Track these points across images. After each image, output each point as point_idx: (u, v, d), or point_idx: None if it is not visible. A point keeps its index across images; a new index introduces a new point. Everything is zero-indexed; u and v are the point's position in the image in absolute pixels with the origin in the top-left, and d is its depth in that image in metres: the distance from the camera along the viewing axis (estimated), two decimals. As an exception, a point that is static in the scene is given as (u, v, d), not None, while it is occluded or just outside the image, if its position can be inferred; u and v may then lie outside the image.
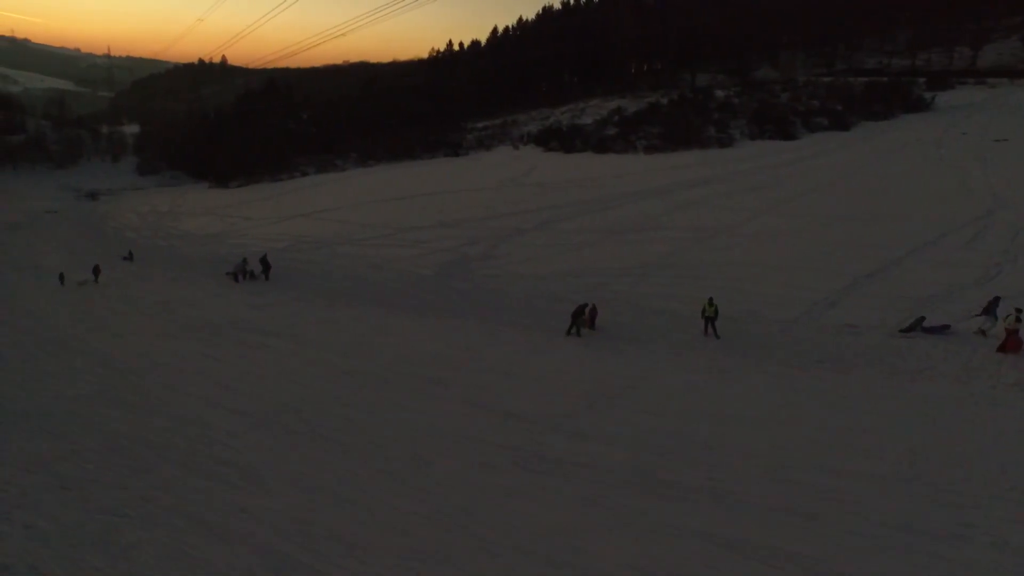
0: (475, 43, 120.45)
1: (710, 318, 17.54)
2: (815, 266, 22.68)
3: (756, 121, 58.14)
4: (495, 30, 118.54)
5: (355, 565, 8.25)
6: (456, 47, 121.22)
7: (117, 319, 23.19)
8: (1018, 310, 15.08)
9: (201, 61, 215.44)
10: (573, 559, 8.48)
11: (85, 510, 9.60)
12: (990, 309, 16.21)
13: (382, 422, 13.06)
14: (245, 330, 20.66)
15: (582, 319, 18.29)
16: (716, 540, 8.78)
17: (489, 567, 8.26)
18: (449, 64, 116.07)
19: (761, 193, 35.64)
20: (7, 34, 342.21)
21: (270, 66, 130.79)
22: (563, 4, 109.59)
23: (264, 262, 28.87)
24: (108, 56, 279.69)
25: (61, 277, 30.24)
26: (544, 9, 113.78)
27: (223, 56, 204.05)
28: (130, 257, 36.44)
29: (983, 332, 16.14)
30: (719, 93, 70.09)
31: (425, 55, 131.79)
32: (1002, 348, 15.16)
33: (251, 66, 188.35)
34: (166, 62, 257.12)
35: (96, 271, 30.37)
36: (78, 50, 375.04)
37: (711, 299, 17.56)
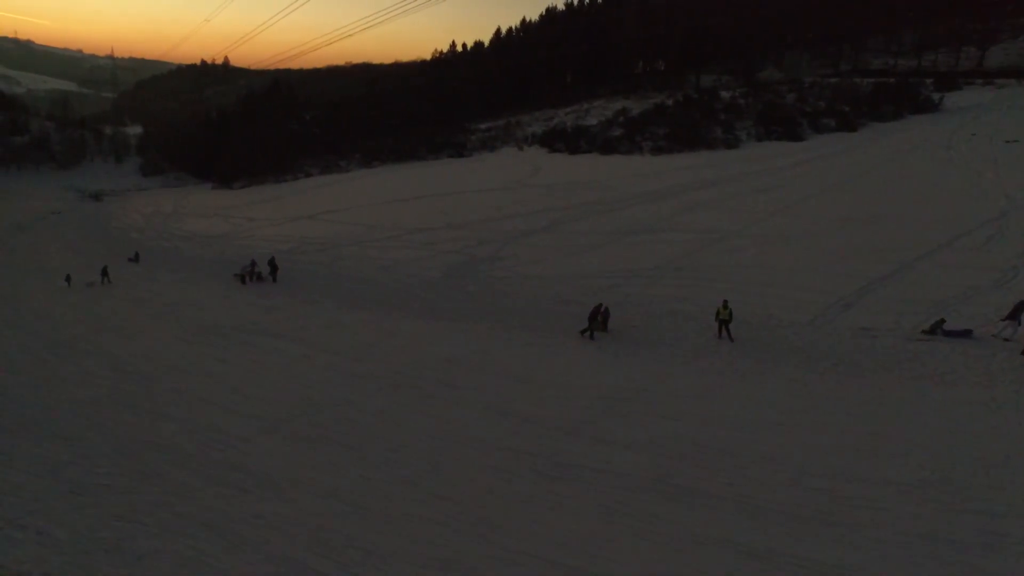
0: (478, 44, 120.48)
1: (724, 321, 17.35)
2: (827, 268, 22.46)
3: (763, 122, 57.82)
4: (498, 31, 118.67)
5: (373, 574, 8.10)
6: (459, 48, 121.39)
7: (125, 321, 23.09)
8: None
9: (203, 62, 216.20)
10: (594, 567, 8.33)
11: (98, 516, 9.48)
12: (1016, 314, 15.95)
13: (395, 427, 12.92)
14: (254, 333, 20.54)
15: (597, 322, 18.12)
16: (740, 548, 8.64)
17: (510, 576, 8.11)
18: (452, 65, 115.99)
19: (770, 194, 35.42)
20: (11, 35, 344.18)
21: (272, 67, 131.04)
22: (567, 5, 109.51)
23: (271, 264, 28.80)
24: (111, 57, 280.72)
25: (68, 278, 30.17)
26: (548, 10, 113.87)
27: (225, 57, 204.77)
28: (136, 258, 36.39)
29: (1005, 338, 15.87)
30: (724, 94, 69.81)
31: (427, 56, 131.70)
32: None
33: (253, 67, 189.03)
34: (169, 63, 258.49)
35: (105, 272, 30.32)
36: (81, 51, 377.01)
37: (725, 302, 17.39)
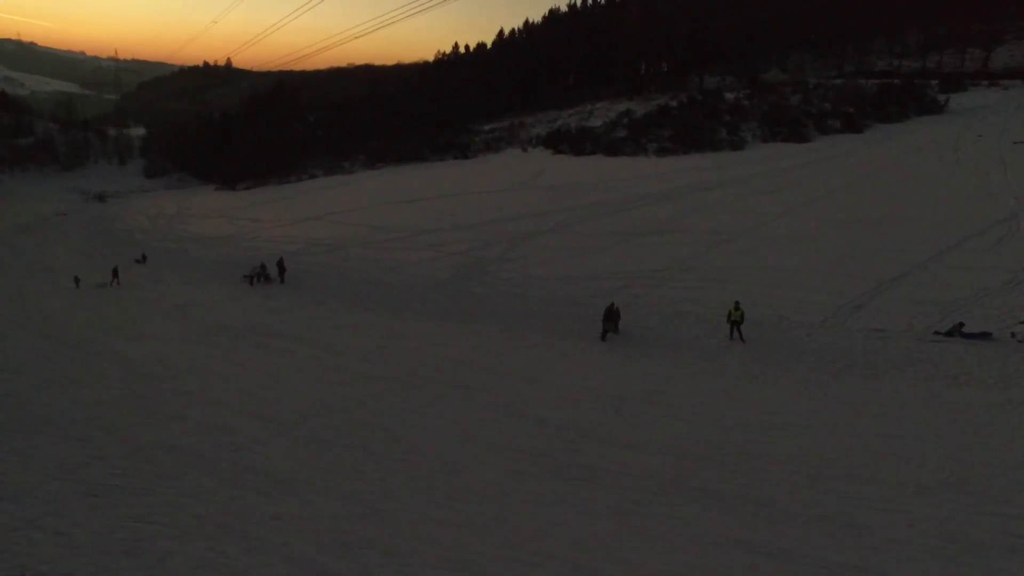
0: (481, 45, 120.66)
1: (736, 322, 17.34)
2: (837, 269, 22.42)
3: (768, 123, 57.72)
4: (501, 32, 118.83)
5: (393, 576, 8.09)
6: (462, 50, 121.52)
7: (135, 323, 23.12)
8: None
9: (206, 64, 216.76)
10: (612, 568, 8.30)
11: (115, 517, 9.45)
12: None
13: (409, 428, 12.89)
14: (264, 334, 20.55)
15: (610, 322, 18.08)
16: (759, 550, 8.59)
17: (528, 579, 8.07)
18: (455, 66, 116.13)
19: (777, 196, 35.37)
20: (14, 37, 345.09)
21: (275, 69, 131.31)
22: (569, 6, 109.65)
23: (280, 265, 28.84)
24: (114, 59, 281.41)
25: (76, 280, 30.23)
26: (550, 11, 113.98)
27: (228, 59, 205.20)
28: (143, 260, 36.46)
29: (1021, 339, 15.81)
30: (728, 95, 69.73)
31: (430, 57, 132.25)
32: None
33: (256, 69, 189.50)
34: (171, 65, 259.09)
35: (115, 273, 30.38)
36: (83, 53, 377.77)
37: (737, 303, 17.38)
